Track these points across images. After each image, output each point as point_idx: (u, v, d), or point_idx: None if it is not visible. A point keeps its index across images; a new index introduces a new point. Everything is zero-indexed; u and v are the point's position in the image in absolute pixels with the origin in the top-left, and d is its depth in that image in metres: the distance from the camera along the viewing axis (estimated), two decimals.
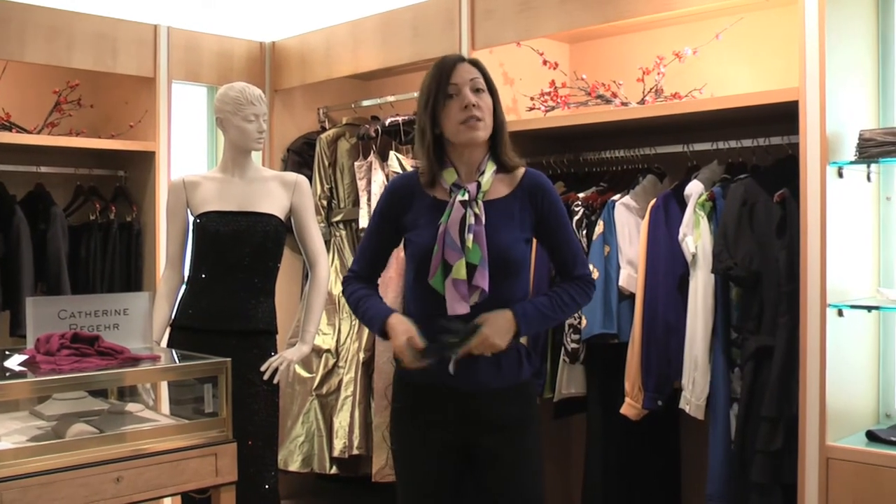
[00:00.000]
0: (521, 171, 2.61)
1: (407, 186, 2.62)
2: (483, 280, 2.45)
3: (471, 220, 2.48)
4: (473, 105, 2.49)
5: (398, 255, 4.06)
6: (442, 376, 2.48)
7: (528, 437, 2.58)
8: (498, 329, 2.46)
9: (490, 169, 2.56)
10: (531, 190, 2.59)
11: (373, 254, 2.68)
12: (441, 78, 2.51)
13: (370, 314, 2.59)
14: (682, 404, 3.39)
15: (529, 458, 2.57)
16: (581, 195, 3.79)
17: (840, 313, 3.02)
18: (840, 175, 3.02)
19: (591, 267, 3.57)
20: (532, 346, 3.78)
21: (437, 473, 2.58)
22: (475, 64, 2.56)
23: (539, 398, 3.79)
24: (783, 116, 3.15)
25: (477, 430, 2.54)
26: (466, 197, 2.50)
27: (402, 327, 2.48)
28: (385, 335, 2.54)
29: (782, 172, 3.25)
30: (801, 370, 3.02)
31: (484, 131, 2.52)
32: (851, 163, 3.02)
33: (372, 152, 4.50)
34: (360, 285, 2.66)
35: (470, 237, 2.46)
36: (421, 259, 2.52)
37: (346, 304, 2.67)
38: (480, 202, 2.52)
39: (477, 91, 2.52)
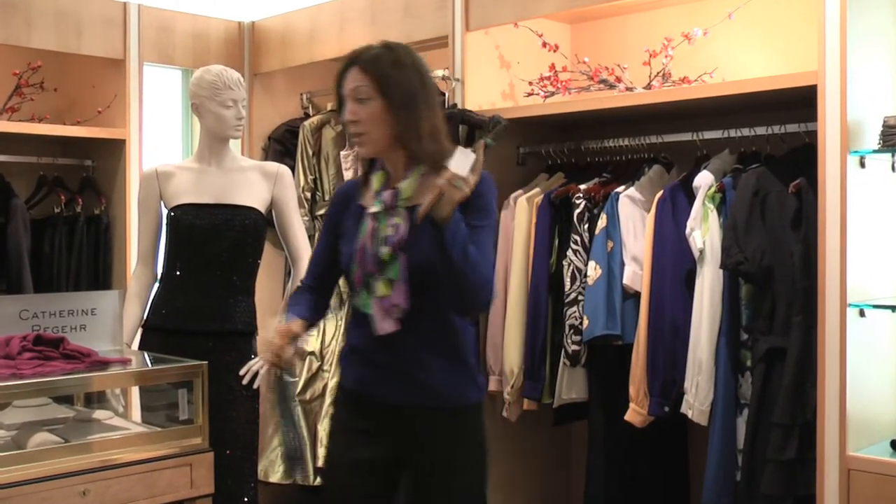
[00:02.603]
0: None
1: (347, 192, 2.61)
2: (399, 296, 2.42)
3: (387, 231, 2.43)
4: (350, 121, 2.46)
5: None
6: (372, 387, 2.52)
7: (467, 468, 2.54)
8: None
9: (417, 172, 2.47)
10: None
11: (320, 265, 2.67)
12: (337, 88, 2.49)
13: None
14: (685, 409, 3.38)
15: (463, 489, 2.54)
16: (583, 187, 3.77)
17: (861, 313, 3.00)
18: (862, 165, 3.00)
19: (592, 264, 3.55)
20: (530, 346, 3.77)
21: (364, 487, 2.56)
22: (366, 67, 2.46)
23: (537, 403, 3.78)
24: (800, 102, 3.13)
25: (405, 448, 2.53)
26: (380, 208, 2.46)
27: (285, 331, 2.48)
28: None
29: (798, 162, 3.23)
30: (820, 374, 3.01)
31: (369, 146, 2.47)
32: (874, 151, 3.00)
33: None
34: (301, 293, 2.66)
35: (385, 250, 2.41)
36: (345, 273, 2.54)
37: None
38: (402, 210, 2.44)
39: (360, 101, 2.44)
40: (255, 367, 3.32)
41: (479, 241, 2.40)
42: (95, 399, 3.11)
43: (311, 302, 2.63)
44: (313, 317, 2.64)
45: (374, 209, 2.46)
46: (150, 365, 3.08)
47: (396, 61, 2.47)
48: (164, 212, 3.41)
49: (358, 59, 2.48)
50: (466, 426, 2.56)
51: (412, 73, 2.47)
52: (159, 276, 3.43)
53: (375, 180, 2.51)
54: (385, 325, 2.43)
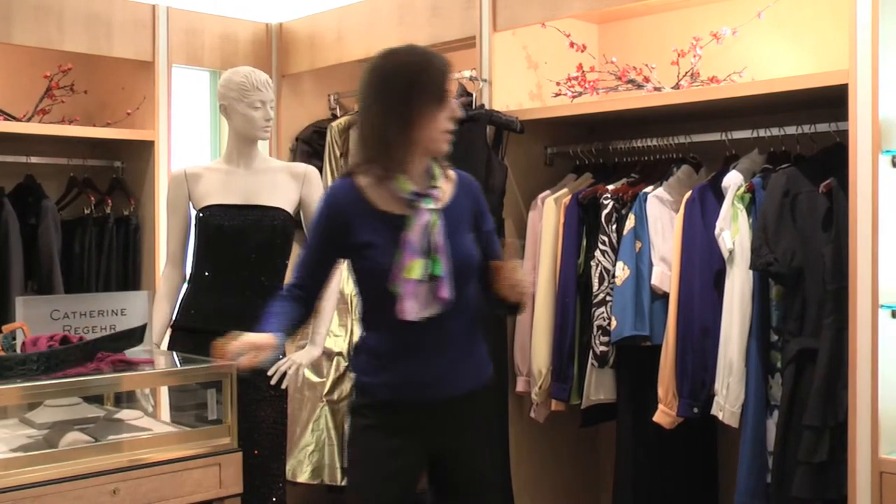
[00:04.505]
0: (449, 169, 2.65)
1: (345, 199, 2.58)
2: (445, 291, 2.48)
3: (436, 229, 2.50)
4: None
5: None
6: (408, 390, 2.55)
7: (487, 431, 2.74)
8: None
9: (438, 172, 2.58)
10: (467, 187, 2.65)
11: (315, 270, 2.67)
12: (437, 80, 2.49)
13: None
14: (716, 411, 3.37)
15: (487, 451, 2.71)
16: (610, 187, 3.76)
17: (894, 314, 2.97)
18: (893, 164, 2.97)
19: (620, 265, 3.54)
20: (557, 346, 3.77)
21: (401, 486, 2.59)
22: None
23: (565, 404, 3.78)
24: (831, 101, 3.11)
25: (437, 440, 2.59)
26: (432, 205, 2.51)
27: (259, 343, 2.46)
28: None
29: (829, 162, 3.20)
30: (851, 376, 2.98)
31: None
32: None
33: None
34: (285, 301, 2.63)
35: (435, 247, 2.48)
36: (380, 279, 2.50)
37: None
38: (440, 210, 2.54)
39: None
40: (283, 367, 3.33)
41: (495, 236, 2.70)
42: (125, 399, 3.13)
43: (293, 312, 2.61)
44: (293, 329, 2.64)
45: (429, 206, 2.50)
46: (178, 365, 3.09)
47: None
48: (193, 213, 3.42)
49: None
50: (486, 400, 2.70)
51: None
52: (188, 276, 3.44)
53: (402, 183, 2.51)
54: (409, 311, 2.46)
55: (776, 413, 3.24)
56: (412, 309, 2.46)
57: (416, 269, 2.45)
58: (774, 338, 3.30)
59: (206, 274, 3.36)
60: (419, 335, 2.51)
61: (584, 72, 3.97)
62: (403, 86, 2.46)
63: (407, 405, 2.56)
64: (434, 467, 2.63)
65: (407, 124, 2.47)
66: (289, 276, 2.97)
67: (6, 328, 2.88)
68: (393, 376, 2.55)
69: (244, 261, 3.32)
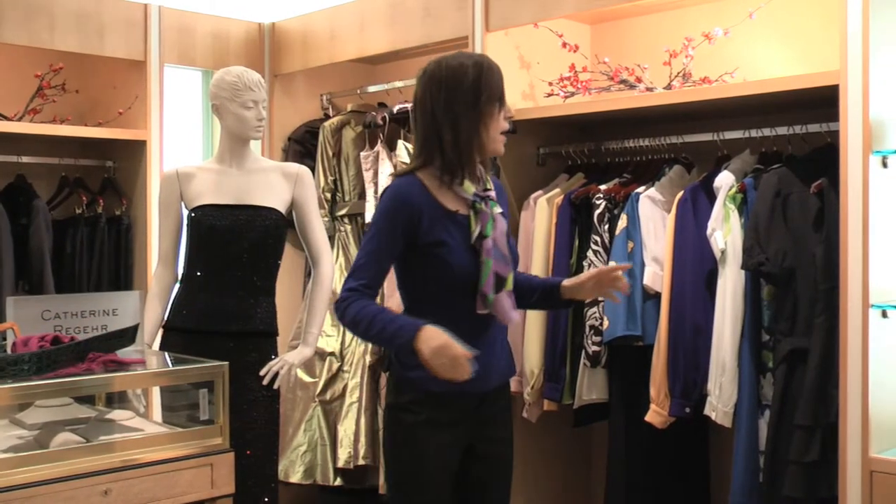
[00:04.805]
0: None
1: (416, 196, 2.57)
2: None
3: (508, 230, 2.61)
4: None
5: None
6: (461, 383, 2.51)
7: (510, 421, 2.81)
8: None
9: (486, 175, 2.66)
10: (500, 189, 2.75)
11: (383, 268, 2.61)
12: (498, 81, 2.57)
13: (394, 327, 2.48)
14: (708, 411, 3.37)
15: (512, 443, 2.80)
16: (603, 187, 3.76)
17: (884, 314, 2.98)
18: (884, 165, 2.98)
19: (612, 265, 3.54)
20: (550, 347, 3.78)
21: (449, 479, 2.65)
22: None
23: (558, 404, 3.79)
24: (822, 102, 3.12)
25: (478, 430, 2.67)
26: (499, 209, 2.61)
27: (450, 342, 2.41)
28: (412, 348, 2.44)
29: (820, 162, 3.21)
30: (842, 376, 2.99)
31: None
32: None
33: (379, 141, 4.47)
34: (369, 301, 2.55)
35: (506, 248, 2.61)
36: (460, 278, 2.54)
37: (349, 323, 2.57)
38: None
39: None
40: (276, 367, 3.33)
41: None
42: (116, 399, 3.12)
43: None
44: None
45: (499, 210, 2.61)
46: (170, 365, 3.08)
47: None
48: (185, 213, 3.42)
49: None
50: (509, 393, 2.84)
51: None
52: (180, 276, 3.44)
53: (466, 184, 2.57)
54: (514, 315, 2.60)
55: (767, 412, 3.25)
56: (515, 315, 2.60)
57: (511, 280, 2.58)
58: (766, 337, 3.31)
59: (199, 274, 3.36)
60: (471, 332, 2.54)
61: (576, 72, 3.98)
62: (472, 88, 2.52)
63: (455, 399, 2.59)
64: (465, 458, 2.67)
65: (477, 126, 2.54)
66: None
67: None
68: None
69: (236, 261, 3.32)
